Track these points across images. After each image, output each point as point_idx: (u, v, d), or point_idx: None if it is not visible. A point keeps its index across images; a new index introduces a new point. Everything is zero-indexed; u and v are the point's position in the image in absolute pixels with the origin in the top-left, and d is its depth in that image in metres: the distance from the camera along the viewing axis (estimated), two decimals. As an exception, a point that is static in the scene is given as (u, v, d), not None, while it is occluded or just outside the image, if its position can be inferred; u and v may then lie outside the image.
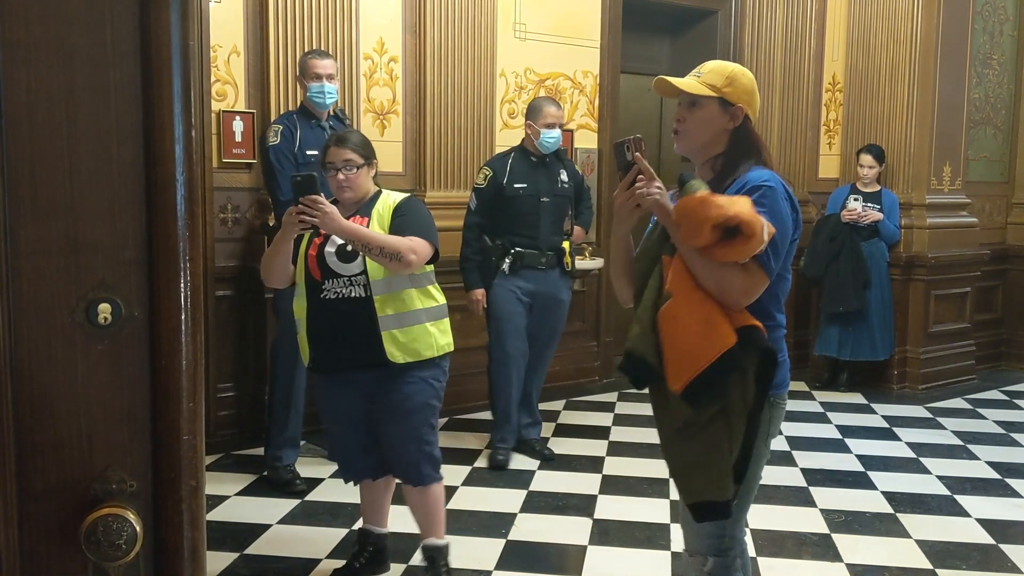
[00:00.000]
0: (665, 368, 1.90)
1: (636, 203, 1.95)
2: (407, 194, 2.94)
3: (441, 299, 2.88)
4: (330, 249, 2.75)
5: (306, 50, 4.25)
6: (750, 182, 1.98)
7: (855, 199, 5.71)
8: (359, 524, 3.21)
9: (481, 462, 4.29)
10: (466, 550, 3.21)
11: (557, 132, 4.22)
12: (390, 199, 2.84)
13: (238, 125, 4.42)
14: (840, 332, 5.74)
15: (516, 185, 4.19)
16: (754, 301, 1.95)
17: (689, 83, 2.08)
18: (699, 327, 1.86)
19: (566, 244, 4.30)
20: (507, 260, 4.17)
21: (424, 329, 2.78)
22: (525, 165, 4.25)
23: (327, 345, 2.79)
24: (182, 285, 0.81)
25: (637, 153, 1.95)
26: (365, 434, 2.90)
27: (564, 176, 4.35)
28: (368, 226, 2.74)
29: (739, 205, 1.84)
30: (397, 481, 3.04)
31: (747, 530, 2.24)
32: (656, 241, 2.02)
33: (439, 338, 2.82)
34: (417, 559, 3.24)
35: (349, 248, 2.71)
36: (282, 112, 4.24)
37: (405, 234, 2.71)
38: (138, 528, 0.79)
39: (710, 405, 1.89)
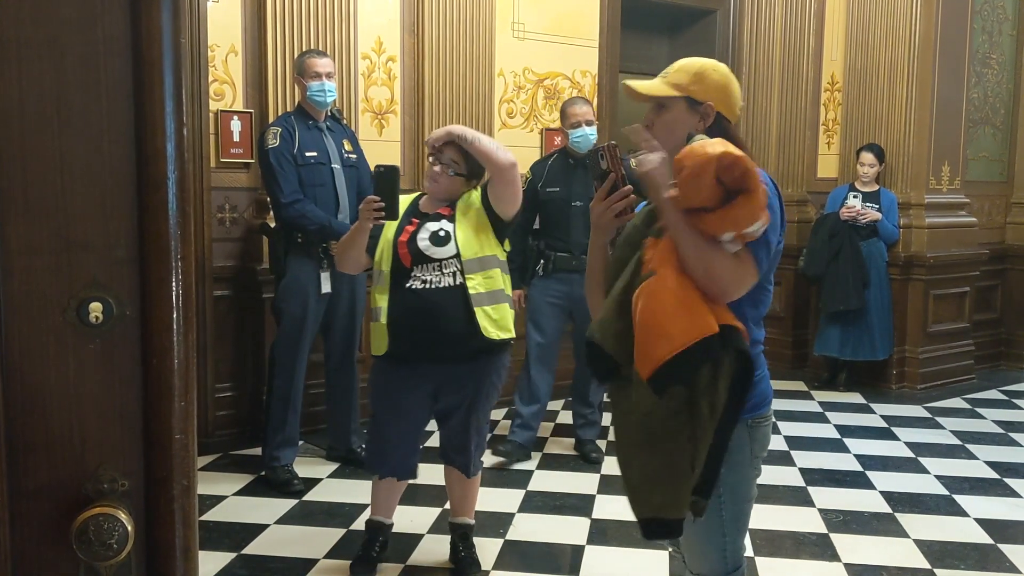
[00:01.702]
0: (635, 350, 1.74)
1: (613, 214, 1.86)
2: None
3: (511, 290, 3.04)
4: (423, 235, 2.85)
5: (304, 50, 4.25)
6: None
7: (855, 196, 5.71)
8: (360, 521, 3.23)
9: (479, 462, 4.30)
10: (464, 550, 3.21)
11: (584, 130, 4.20)
12: (475, 191, 2.99)
13: (236, 125, 4.42)
14: (841, 332, 5.73)
15: (549, 189, 4.26)
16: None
17: (651, 85, 1.97)
18: (680, 307, 1.69)
19: None
20: (541, 262, 4.28)
21: (507, 309, 2.95)
22: (562, 168, 4.30)
23: (412, 337, 2.84)
24: (174, 284, 0.81)
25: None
26: (419, 431, 3.04)
27: None
28: (454, 214, 2.89)
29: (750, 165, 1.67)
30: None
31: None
32: (640, 226, 1.87)
33: (512, 321, 2.97)
34: (418, 557, 3.24)
35: (442, 233, 2.83)
36: (280, 112, 4.24)
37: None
38: (129, 528, 0.79)
39: (673, 416, 1.73)
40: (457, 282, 2.83)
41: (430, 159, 2.95)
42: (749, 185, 1.67)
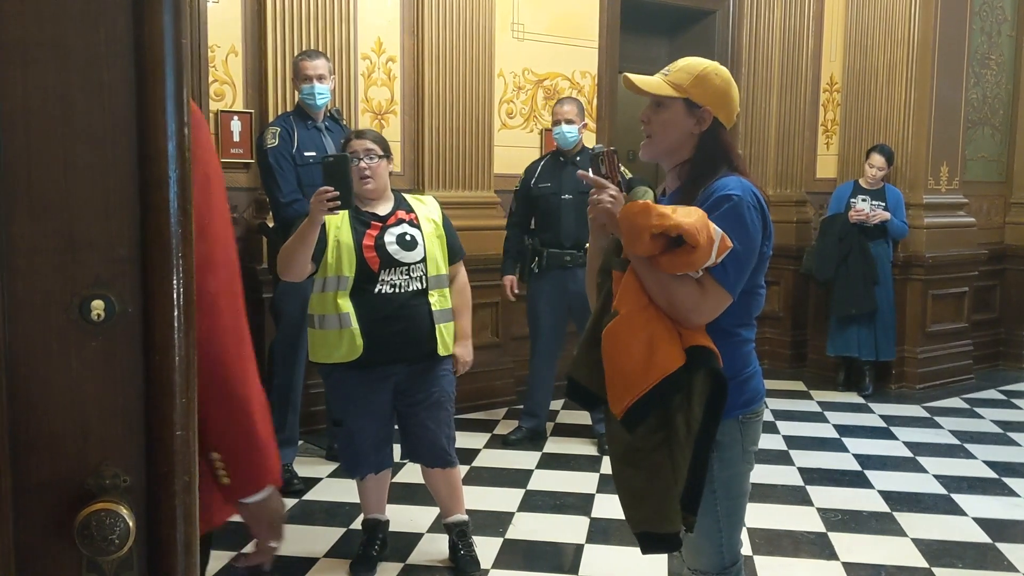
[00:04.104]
0: (607, 390, 1.81)
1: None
2: (430, 197, 3.17)
3: None
4: (390, 239, 2.86)
5: (303, 50, 4.25)
6: (716, 192, 1.86)
7: (863, 199, 5.68)
8: (360, 518, 3.24)
9: (478, 462, 4.31)
10: (463, 549, 3.22)
11: (562, 127, 4.43)
12: (428, 204, 3.05)
13: (236, 125, 4.43)
14: (857, 331, 5.71)
15: (540, 185, 4.49)
16: (718, 319, 1.84)
17: (652, 81, 1.96)
18: (641, 348, 1.74)
19: None
20: (536, 259, 4.47)
21: (452, 326, 3.00)
22: (553, 165, 4.54)
23: (384, 341, 2.85)
24: (175, 282, 0.81)
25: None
26: (385, 427, 3.04)
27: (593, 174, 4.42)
28: (420, 228, 2.93)
29: (683, 214, 1.72)
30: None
31: (743, 529, 2.24)
32: (610, 253, 1.92)
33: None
34: (417, 556, 3.25)
35: (408, 238, 2.88)
36: (280, 113, 4.25)
37: (457, 252, 3.05)
38: (131, 523, 0.80)
39: (653, 432, 1.77)
40: (423, 286, 2.90)
41: (356, 162, 2.86)
42: (689, 240, 1.70)
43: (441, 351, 2.94)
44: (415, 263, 2.88)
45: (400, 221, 2.93)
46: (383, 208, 2.94)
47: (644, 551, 1.90)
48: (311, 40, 4.43)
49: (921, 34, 5.76)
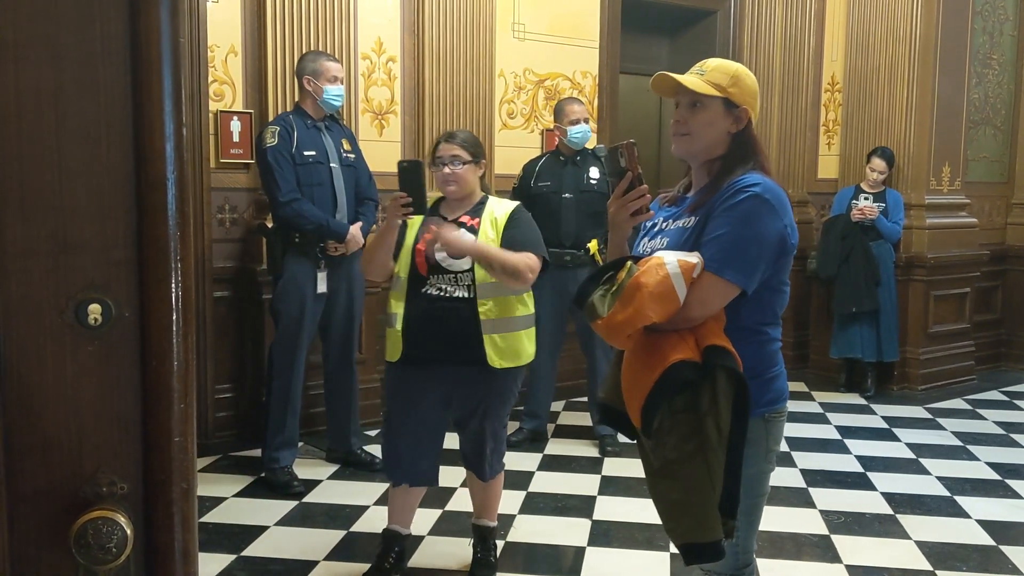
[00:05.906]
0: (628, 410, 1.86)
1: (629, 212, 1.89)
2: (515, 203, 3.05)
3: (532, 307, 2.98)
4: (439, 245, 2.82)
5: (305, 51, 4.24)
6: (736, 185, 1.89)
7: (865, 198, 5.68)
8: (360, 523, 3.21)
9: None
10: (466, 551, 3.20)
11: (583, 126, 4.45)
12: (501, 207, 2.96)
13: (236, 125, 4.41)
14: (859, 332, 5.70)
15: (540, 184, 4.47)
16: (742, 316, 1.87)
17: (693, 81, 1.95)
18: (644, 359, 1.80)
19: (593, 243, 4.34)
20: None
21: (520, 336, 2.90)
22: (553, 164, 4.52)
23: (424, 341, 2.83)
24: (173, 285, 0.80)
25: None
26: (433, 437, 3.00)
27: (594, 173, 4.47)
28: (479, 227, 2.85)
29: (649, 299, 1.75)
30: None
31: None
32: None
33: (528, 346, 2.95)
34: (417, 559, 3.24)
35: None
36: (279, 112, 4.23)
37: (518, 247, 2.82)
38: (128, 531, 0.78)
39: (685, 442, 1.77)
40: (471, 295, 2.80)
41: (435, 168, 2.90)
42: (663, 324, 1.80)
43: (493, 362, 2.81)
44: (462, 272, 2.81)
45: (460, 226, 2.85)
46: (455, 212, 2.91)
47: (688, 562, 1.87)
48: (311, 40, 4.42)
49: (923, 34, 5.74)
